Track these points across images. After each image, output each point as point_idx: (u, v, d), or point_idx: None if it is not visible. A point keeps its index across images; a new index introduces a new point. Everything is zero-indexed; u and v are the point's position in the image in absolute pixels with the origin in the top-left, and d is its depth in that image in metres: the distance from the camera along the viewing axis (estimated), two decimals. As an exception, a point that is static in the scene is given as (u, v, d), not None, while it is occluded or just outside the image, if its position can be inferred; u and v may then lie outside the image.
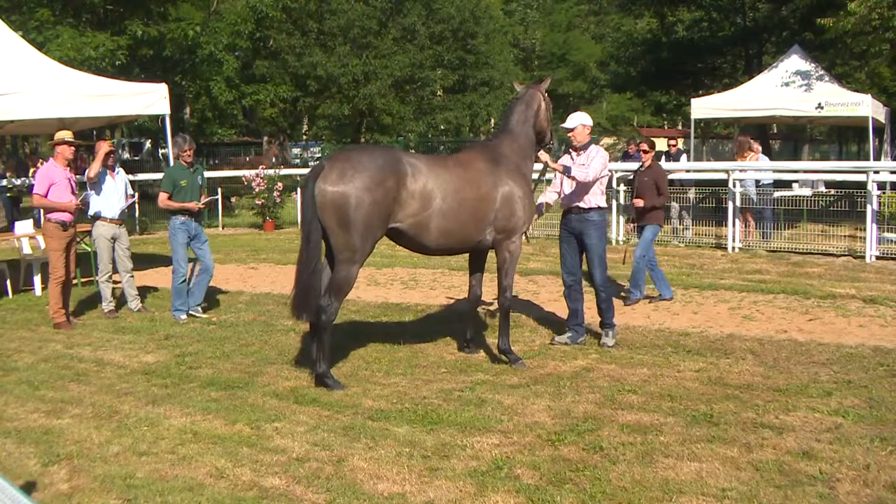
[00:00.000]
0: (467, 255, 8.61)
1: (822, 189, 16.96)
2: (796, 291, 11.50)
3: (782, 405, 6.69)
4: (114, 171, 11.34)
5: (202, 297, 11.16)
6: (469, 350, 8.70)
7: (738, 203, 15.67)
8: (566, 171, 8.72)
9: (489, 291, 12.20)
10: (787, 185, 17.07)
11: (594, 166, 8.70)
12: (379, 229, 7.42)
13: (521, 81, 9.06)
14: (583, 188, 8.83)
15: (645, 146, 11.39)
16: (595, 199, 8.91)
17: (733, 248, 15.65)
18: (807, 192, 16.56)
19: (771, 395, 6.97)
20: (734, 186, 15.70)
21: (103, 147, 11.16)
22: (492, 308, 10.43)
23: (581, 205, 8.90)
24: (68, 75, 13.59)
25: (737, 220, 15.69)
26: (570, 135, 8.96)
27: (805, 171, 17.87)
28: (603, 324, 9.08)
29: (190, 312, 10.97)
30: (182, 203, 10.76)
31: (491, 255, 8.44)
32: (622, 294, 11.11)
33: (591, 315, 9.52)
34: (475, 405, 6.90)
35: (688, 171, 17.68)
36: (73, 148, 10.76)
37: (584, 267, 9.18)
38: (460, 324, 9.95)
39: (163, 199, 10.98)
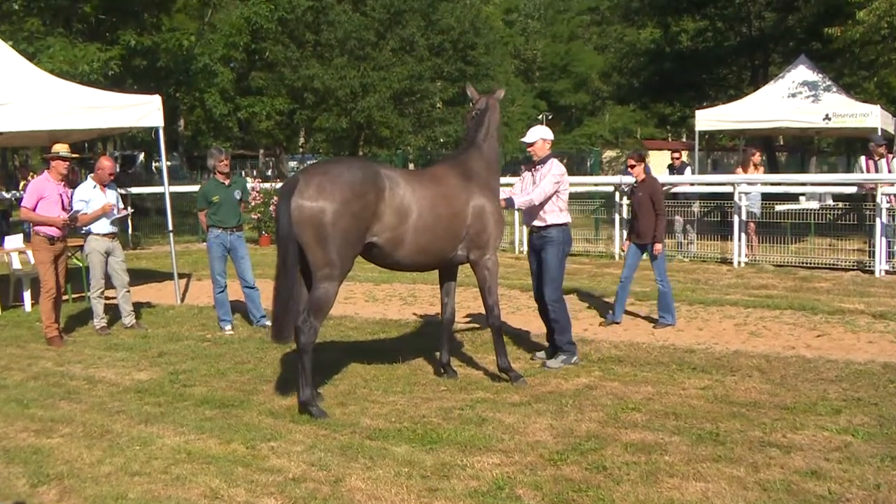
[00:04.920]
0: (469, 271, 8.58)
1: (830, 202, 16.97)
2: (804, 307, 11.50)
3: (790, 423, 6.68)
4: (105, 187, 11.33)
5: (261, 311, 11.30)
6: (448, 375, 8.47)
7: (743, 217, 15.69)
8: (509, 203, 8.74)
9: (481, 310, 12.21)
10: (793, 197, 17.08)
11: (541, 188, 8.67)
12: (358, 244, 7.28)
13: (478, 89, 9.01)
14: (535, 207, 8.82)
15: (631, 161, 11.02)
16: (552, 216, 8.80)
17: (739, 262, 15.66)
18: (814, 205, 16.57)
19: (778, 413, 6.97)
20: (740, 200, 15.71)
21: (107, 208, 11.18)
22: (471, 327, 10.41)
23: (537, 223, 8.88)
24: (60, 87, 13.59)
25: (742, 235, 15.71)
26: (530, 149, 8.91)
27: (812, 184, 17.87)
28: (555, 345, 8.99)
29: (260, 325, 11.21)
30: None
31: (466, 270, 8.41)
32: (657, 321, 10.96)
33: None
34: (475, 424, 6.89)
35: (692, 184, 17.69)
36: (67, 163, 10.78)
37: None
38: (459, 342, 9.99)
39: (200, 217, 11.49)
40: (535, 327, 10.61)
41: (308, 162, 49.54)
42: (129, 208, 12.20)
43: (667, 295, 10.77)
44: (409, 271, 8.54)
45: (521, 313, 11.70)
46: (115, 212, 11.35)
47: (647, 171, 10.91)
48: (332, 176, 7.16)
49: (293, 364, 8.06)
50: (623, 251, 11.35)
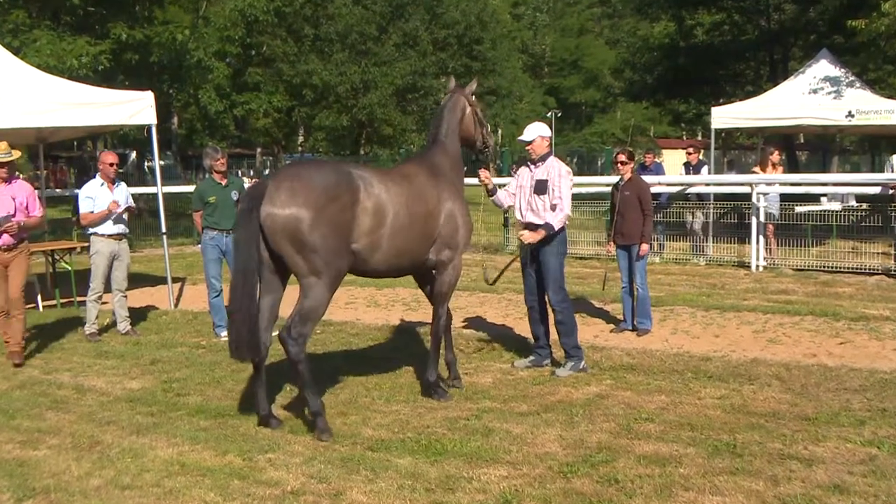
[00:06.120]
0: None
1: (853, 203, 16.92)
2: (825, 313, 11.48)
3: (811, 435, 6.67)
4: (113, 183, 11.32)
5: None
6: (457, 384, 8.45)
7: (762, 219, 15.66)
8: (548, 228, 8.69)
9: (495, 312, 12.21)
10: (815, 198, 17.04)
11: (564, 196, 8.74)
12: (343, 248, 7.05)
13: (458, 83, 9.00)
14: (541, 206, 8.84)
15: (623, 157, 11.02)
16: (549, 215, 8.84)
17: (757, 266, 15.64)
18: (836, 206, 16.54)
19: (799, 425, 6.95)
20: (758, 201, 15.69)
21: (113, 207, 11.13)
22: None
23: (535, 220, 8.89)
24: (47, 82, 13.59)
25: (761, 237, 15.68)
26: (528, 148, 8.97)
27: (834, 184, 17.82)
28: (565, 352, 9.01)
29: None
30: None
31: None
32: (635, 326, 10.96)
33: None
34: (482, 434, 6.88)
35: (708, 184, 17.67)
36: (4, 168, 9.99)
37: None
38: (468, 349, 9.98)
39: (196, 218, 11.41)
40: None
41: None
42: (134, 206, 12.03)
43: (646, 299, 10.83)
44: (384, 277, 8.38)
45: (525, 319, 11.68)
46: (126, 203, 11.32)
47: (657, 168, 10.90)
48: (304, 179, 6.97)
49: (287, 372, 8.07)
50: (609, 253, 11.37)
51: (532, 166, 9.00)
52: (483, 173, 8.88)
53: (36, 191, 10.80)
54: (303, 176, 7.04)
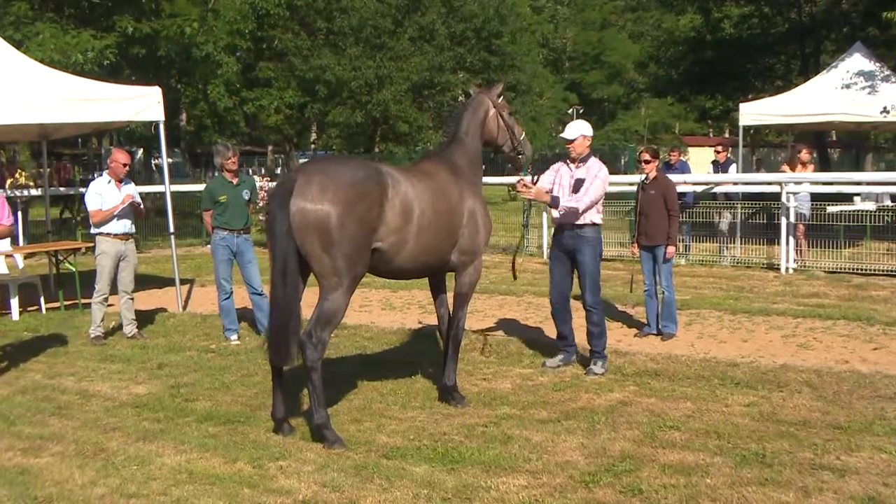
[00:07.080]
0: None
1: (888, 203, 16.83)
2: (859, 317, 11.43)
3: (844, 444, 6.63)
4: (121, 182, 11.35)
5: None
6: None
7: (791, 219, 15.59)
8: (554, 202, 8.91)
9: (515, 314, 12.19)
10: (847, 198, 16.95)
11: (590, 196, 8.86)
12: (367, 248, 7.08)
13: (477, 85, 9.04)
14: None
15: (646, 155, 11.03)
16: (590, 215, 8.98)
17: (787, 268, 15.57)
18: (870, 206, 16.44)
19: (831, 433, 6.92)
20: (787, 201, 15.62)
21: (127, 199, 11.18)
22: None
23: (574, 220, 8.99)
24: (51, 77, 13.61)
25: (791, 238, 15.61)
26: (569, 146, 9.08)
27: (868, 183, 17.72)
28: (592, 351, 9.20)
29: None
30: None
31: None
32: (659, 330, 10.91)
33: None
34: (500, 442, 6.88)
35: (735, 183, 17.62)
36: None
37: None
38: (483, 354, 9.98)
39: (205, 218, 11.45)
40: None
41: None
42: (141, 204, 12.00)
43: (672, 303, 10.82)
44: (408, 277, 8.31)
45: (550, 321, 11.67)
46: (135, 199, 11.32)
47: (683, 166, 10.88)
48: (333, 175, 6.99)
49: (303, 377, 8.08)
50: (634, 255, 11.41)
51: (572, 165, 9.07)
52: (523, 186, 8.89)
53: (40, 188, 10.79)
54: (332, 171, 7.07)
